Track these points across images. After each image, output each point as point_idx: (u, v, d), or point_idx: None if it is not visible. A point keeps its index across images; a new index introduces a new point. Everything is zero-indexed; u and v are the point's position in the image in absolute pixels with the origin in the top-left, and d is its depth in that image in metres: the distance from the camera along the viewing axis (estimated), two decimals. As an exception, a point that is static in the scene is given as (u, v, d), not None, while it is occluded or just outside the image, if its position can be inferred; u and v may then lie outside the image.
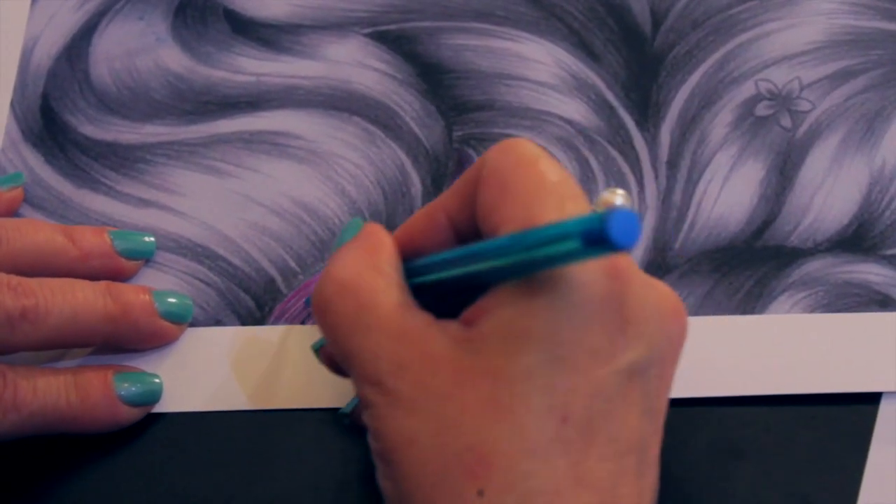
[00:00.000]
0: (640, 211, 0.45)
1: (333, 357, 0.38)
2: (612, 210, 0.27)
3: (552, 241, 0.29)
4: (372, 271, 0.34)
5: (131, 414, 0.41)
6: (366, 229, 0.36)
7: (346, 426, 0.40)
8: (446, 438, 0.31)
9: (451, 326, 0.32)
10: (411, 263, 0.35)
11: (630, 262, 0.32)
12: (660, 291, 0.33)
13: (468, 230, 0.35)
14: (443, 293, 0.34)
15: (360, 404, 0.34)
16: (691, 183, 0.46)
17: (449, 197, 0.36)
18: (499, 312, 0.31)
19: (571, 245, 0.28)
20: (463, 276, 0.33)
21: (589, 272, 0.31)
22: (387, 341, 0.33)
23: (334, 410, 0.41)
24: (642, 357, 0.32)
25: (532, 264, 0.30)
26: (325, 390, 0.42)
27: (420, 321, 0.33)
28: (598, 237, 0.27)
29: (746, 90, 0.48)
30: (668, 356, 0.33)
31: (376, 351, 0.33)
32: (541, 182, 0.32)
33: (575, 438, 0.31)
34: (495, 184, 0.33)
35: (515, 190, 0.32)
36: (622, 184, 0.46)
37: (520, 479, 0.30)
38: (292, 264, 0.45)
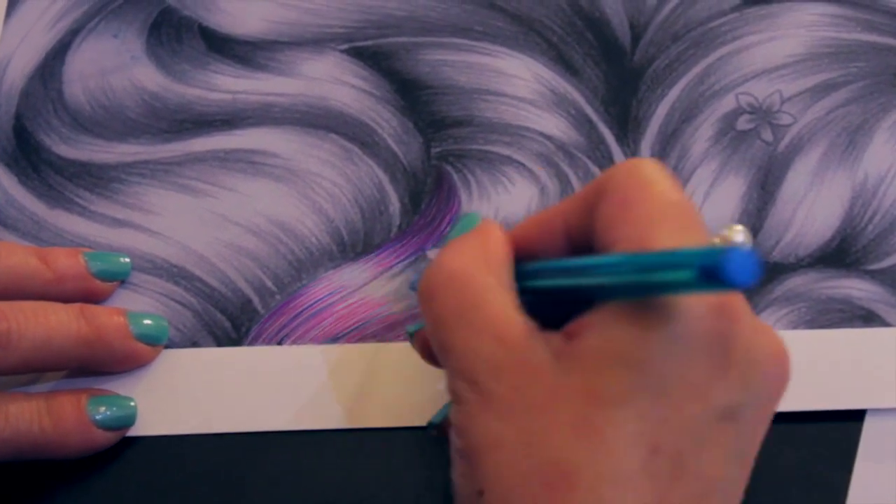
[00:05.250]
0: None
1: (428, 344, 0.37)
2: (731, 246, 0.26)
3: (667, 268, 0.28)
4: (483, 267, 0.34)
5: (106, 438, 0.40)
6: (483, 225, 0.36)
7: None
8: (533, 449, 0.30)
9: (554, 338, 0.32)
10: (522, 266, 0.35)
11: (741, 302, 0.31)
12: (768, 337, 0.32)
13: (582, 241, 0.34)
14: (547, 301, 0.34)
15: (450, 400, 0.33)
16: (672, 198, 0.45)
17: (569, 204, 0.35)
18: (602, 331, 0.31)
19: (686, 275, 0.27)
20: (572, 287, 0.33)
21: (698, 306, 0.30)
22: (489, 342, 0.32)
23: (311, 433, 0.41)
24: (740, 400, 0.31)
25: (643, 287, 0.29)
26: (303, 412, 0.41)
27: (524, 327, 0.32)
28: (713, 271, 0.26)
29: (727, 104, 0.48)
30: (767, 403, 0.33)
31: (477, 349, 0.32)
32: (663, 206, 0.32)
33: (663, 471, 0.30)
34: (617, 200, 0.32)
35: (637, 210, 0.32)
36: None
37: (600, 503, 0.29)
38: (269, 284, 0.44)
